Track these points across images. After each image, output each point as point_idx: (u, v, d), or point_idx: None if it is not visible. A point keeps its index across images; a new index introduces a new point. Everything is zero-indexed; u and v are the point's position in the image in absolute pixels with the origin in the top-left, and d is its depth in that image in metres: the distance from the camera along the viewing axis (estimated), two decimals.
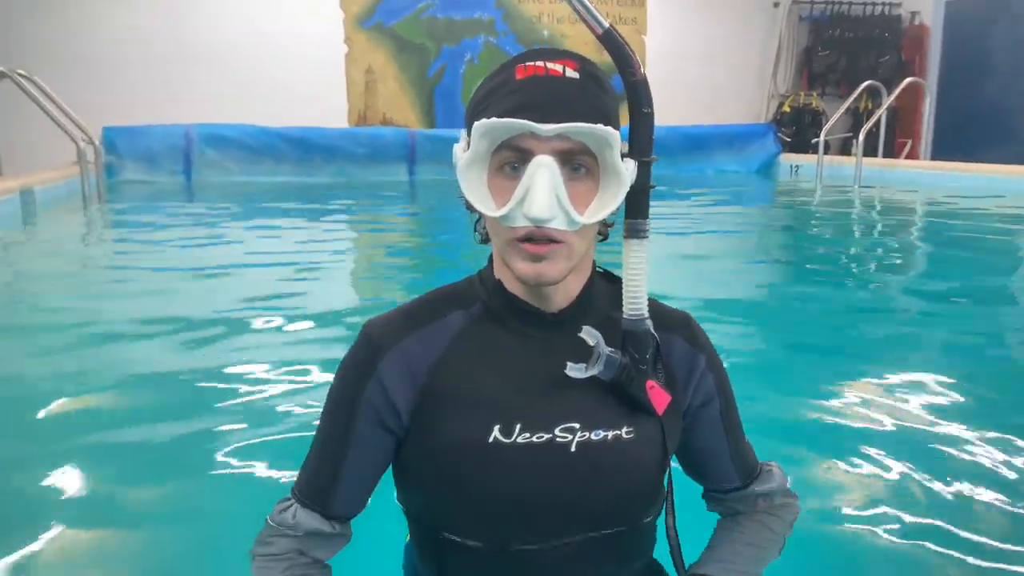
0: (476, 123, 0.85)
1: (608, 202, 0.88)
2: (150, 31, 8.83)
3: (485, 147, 0.87)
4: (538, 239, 0.86)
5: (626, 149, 0.90)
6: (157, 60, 8.87)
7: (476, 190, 0.89)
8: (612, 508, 0.95)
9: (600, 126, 0.84)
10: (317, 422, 1.01)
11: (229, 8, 9.06)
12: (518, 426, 0.91)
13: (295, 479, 1.01)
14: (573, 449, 0.92)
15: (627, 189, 0.88)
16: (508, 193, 0.87)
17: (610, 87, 0.92)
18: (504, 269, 0.96)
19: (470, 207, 0.95)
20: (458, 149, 0.91)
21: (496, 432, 0.91)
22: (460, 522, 0.95)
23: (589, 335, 0.90)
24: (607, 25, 0.87)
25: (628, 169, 0.87)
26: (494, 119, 0.84)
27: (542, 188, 0.83)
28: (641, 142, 0.89)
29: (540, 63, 0.88)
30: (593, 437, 0.92)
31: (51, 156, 7.63)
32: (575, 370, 0.90)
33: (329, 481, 0.97)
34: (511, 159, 0.87)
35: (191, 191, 8.05)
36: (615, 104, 0.91)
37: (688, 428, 1.03)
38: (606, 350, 0.90)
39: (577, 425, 0.92)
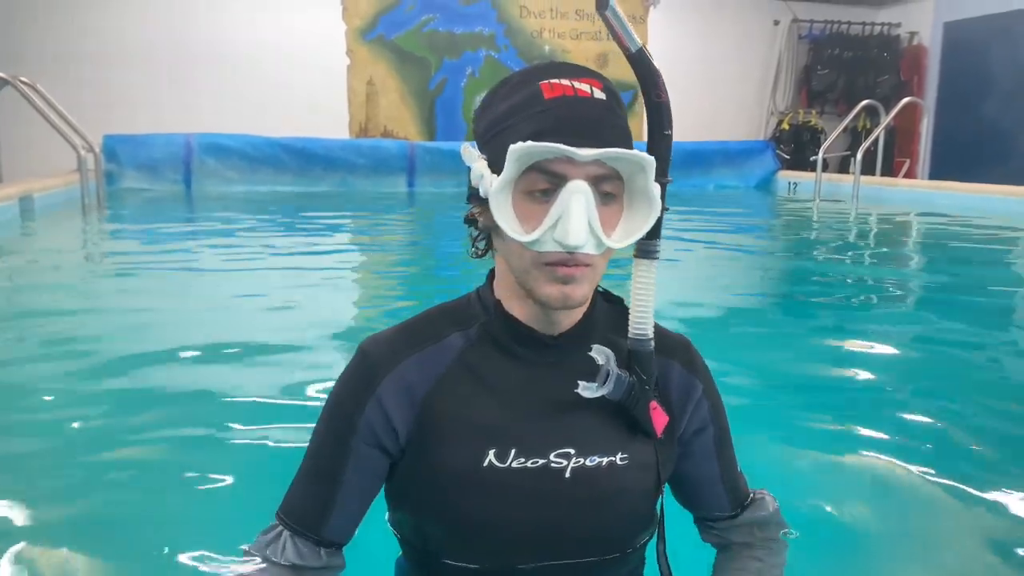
0: (512, 147, 0.82)
1: (638, 226, 0.87)
2: (152, 40, 8.86)
3: (516, 170, 0.84)
4: (568, 263, 0.85)
5: None
6: (159, 69, 8.89)
7: (505, 214, 0.86)
8: (605, 534, 0.95)
9: (636, 152, 0.84)
10: (308, 443, 0.99)
11: (232, 18, 9.10)
12: (513, 451, 0.91)
13: (280, 504, 0.97)
14: (568, 475, 0.91)
15: (658, 214, 0.87)
16: (537, 217, 0.85)
17: (623, 104, 0.91)
18: (508, 289, 0.95)
19: (471, 222, 0.95)
20: (482, 169, 0.87)
21: (491, 457, 0.91)
22: (453, 545, 0.94)
23: (599, 354, 0.90)
24: (640, 44, 0.86)
25: (658, 189, 0.86)
26: (530, 144, 0.82)
27: (578, 215, 0.82)
28: (661, 163, 0.87)
29: (566, 82, 0.86)
30: (588, 463, 0.92)
31: (52, 163, 7.64)
32: (587, 389, 0.89)
33: (323, 504, 0.95)
34: (541, 183, 0.85)
35: (191, 200, 8.05)
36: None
37: (682, 455, 1.02)
38: (616, 369, 0.90)
39: (572, 451, 0.92)
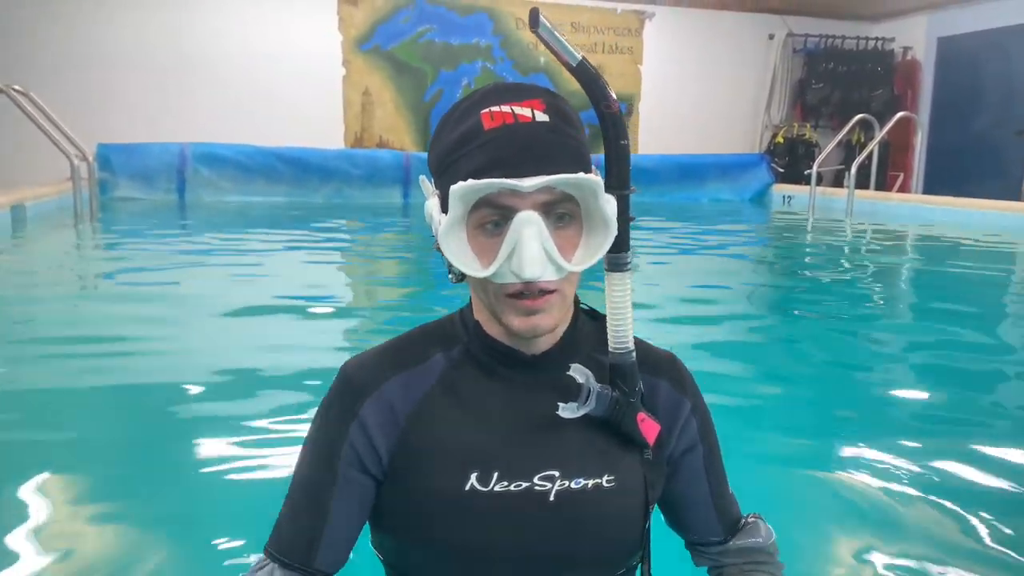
0: (452, 188, 0.81)
1: (596, 248, 0.85)
2: (147, 49, 8.85)
3: (462, 209, 0.83)
4: (531, 293, 0.84)
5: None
6: (154, 78, 8.88)
7: (458, 251, 0.85)
8: (590, 559, 0.93)
9: (582, 175, 0.82)
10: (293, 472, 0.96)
11: (227, 27, 9.10)
12: (496, 474, 0.89)
13: (268, 539, 0.95)
14: (552, 498, 0.89)
15: (615, 233, 0.85)
16: (492, 251, 0.84)
17: (577, 118, 0.89)
18: (484, 313, 0.94)
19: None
20: (432, 208, 0.87)
21: (473, 480, 0.89)
22: (435, 570, 0.92)
23: (578, 372, 0.88)
24: (580, 57, 0.84)
25: (611, 208, 0.85)
26: (471, 182, 0.81)
27: (530, 246, 0.81)
28: (620, 175, 0.86)
29: (506, 108, 0.84)
30: (573, 486, 0.90)
31: (44, 172, 7.62)
32: (567, 410, 0.88)
33: (312, 533, 0.92)
34: (491, 217, 0.84)
35: (184, 210, 8.03)
36: (584, 136, 0.89)
37: (670, 475, 1.00)
38: (596, 386, 0.88)
39: (557, 473, 0.90)
